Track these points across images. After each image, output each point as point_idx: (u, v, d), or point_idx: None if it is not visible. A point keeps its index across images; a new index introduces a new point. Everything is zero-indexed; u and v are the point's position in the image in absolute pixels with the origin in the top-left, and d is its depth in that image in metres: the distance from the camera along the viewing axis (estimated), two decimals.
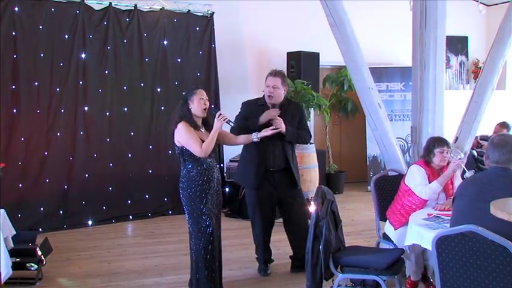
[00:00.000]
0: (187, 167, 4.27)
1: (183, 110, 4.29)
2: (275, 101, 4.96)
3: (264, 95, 5.07)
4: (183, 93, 4.40)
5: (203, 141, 4.20)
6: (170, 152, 7.65)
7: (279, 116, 4.85)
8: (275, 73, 4.99)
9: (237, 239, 6.34)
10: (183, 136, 4.20)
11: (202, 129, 4.35)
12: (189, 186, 4.25)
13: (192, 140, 4.18)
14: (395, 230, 4.42)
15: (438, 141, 4.49)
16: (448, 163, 4.51)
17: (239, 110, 5.11)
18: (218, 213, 4.43)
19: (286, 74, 5.13)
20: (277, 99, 4.97)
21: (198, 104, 4.28)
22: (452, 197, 4.13)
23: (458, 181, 4.53)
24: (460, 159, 4.46)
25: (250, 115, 4.97)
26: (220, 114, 4.30)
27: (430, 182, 4.40)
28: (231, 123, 4.42)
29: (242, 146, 5.09)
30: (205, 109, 4.33)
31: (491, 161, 3.28)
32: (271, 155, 4.94)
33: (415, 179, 4.42)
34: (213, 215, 4.30)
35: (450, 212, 3.79)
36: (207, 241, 4.26)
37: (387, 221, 4.59)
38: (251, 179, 5.02)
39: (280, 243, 5.55)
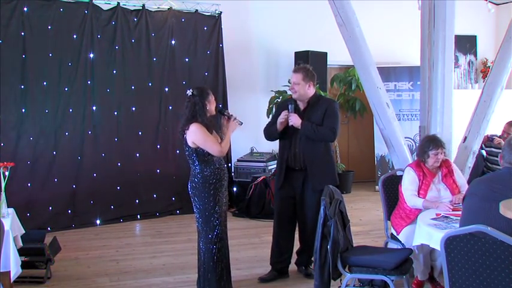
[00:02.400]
0: (200, 167, 4.25)
1: (198, 109, 4.23)
2: (300, 97, 4.85)
3: None
4: (193, 92, 4.28)
5: None
6: (178, 151, 7.67)
7: (303, 111, 4.85)
8: (296, 69, 4.94)
9: (244, 239, 6.34)
10: (199, 137, 4.17)
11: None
12: (203, 186, 4.24)
13: (210, 140, 4.18)
14: (397, 235, 4.43)
15: (433, 143, 4.44)
16: (443, 162, 4.50)
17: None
18: (226, 211, 4.46)
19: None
20: (302, 95, 4.83)
21: (213, 104, 4.33)
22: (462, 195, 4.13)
23: (460, 179, 4.55)
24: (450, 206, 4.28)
25: (279, 115, 4.98)
26: (232, 115, 4.39)
27: (421, 184, 4.42)
28: (240, 123, 4.49)
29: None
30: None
31: (506, 161, 3.26)
32: (291, 154, 4.86)
33: (404, 183, 4.47)
34: (222, 213, 4.33)
35: (459, 212, 3.78)
36: (218, 240, 4.28)
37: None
38: (278, 176, 4.98)
39: None
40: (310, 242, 4.97)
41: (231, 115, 4.44)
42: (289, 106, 4.82)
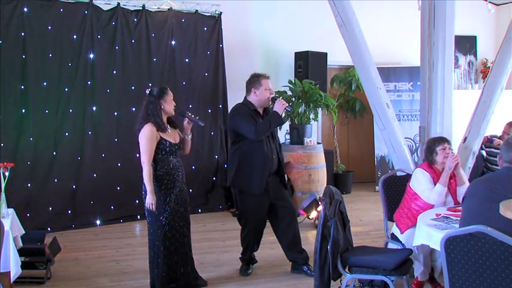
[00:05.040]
0: (154, 165, 4.39)
1: (152, 108, 4.38)
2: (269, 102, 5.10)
3: (247, 101, 5.10)
4: (150, 91, 4.47)
5: (169, 141, 4.38)
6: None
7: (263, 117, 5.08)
8: (268, 76, 5.10)
9: None
10: (142, 141, 4.34)
11: (169, 129, 4.48)
12: (154, 185, 4.36)
13: (147, 150, 4.31)
14: (401, 233, 4.41)
15: (438, 140, 4.51)
16: None
17: (240, 116, 5.02)
18: (184, 211, 4.53)
19: (294, 73, 5.18)
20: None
21: (170, 103, 4.46)
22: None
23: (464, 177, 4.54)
24: (454, 155, 4.39)
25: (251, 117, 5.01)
26: (192, 116, 4.58)
27: (435, 185, 4.39)
28: (200, 123, 4.65)
29: (233, 150, 5.05)
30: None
31: (505, 161, 3.26)
32: (270, 159, 4.95)
33: (421, 184, 4.41)
34: (175, 213, 4.43)
35: (459, 213, 3.78)
36: (166, 238, 4.40)
37: (394, 223, 4.58)
38: (257, 183, 4.91)
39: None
40: (299, 241, 5.10)
41: (192, 116, 4.59)
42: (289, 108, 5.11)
